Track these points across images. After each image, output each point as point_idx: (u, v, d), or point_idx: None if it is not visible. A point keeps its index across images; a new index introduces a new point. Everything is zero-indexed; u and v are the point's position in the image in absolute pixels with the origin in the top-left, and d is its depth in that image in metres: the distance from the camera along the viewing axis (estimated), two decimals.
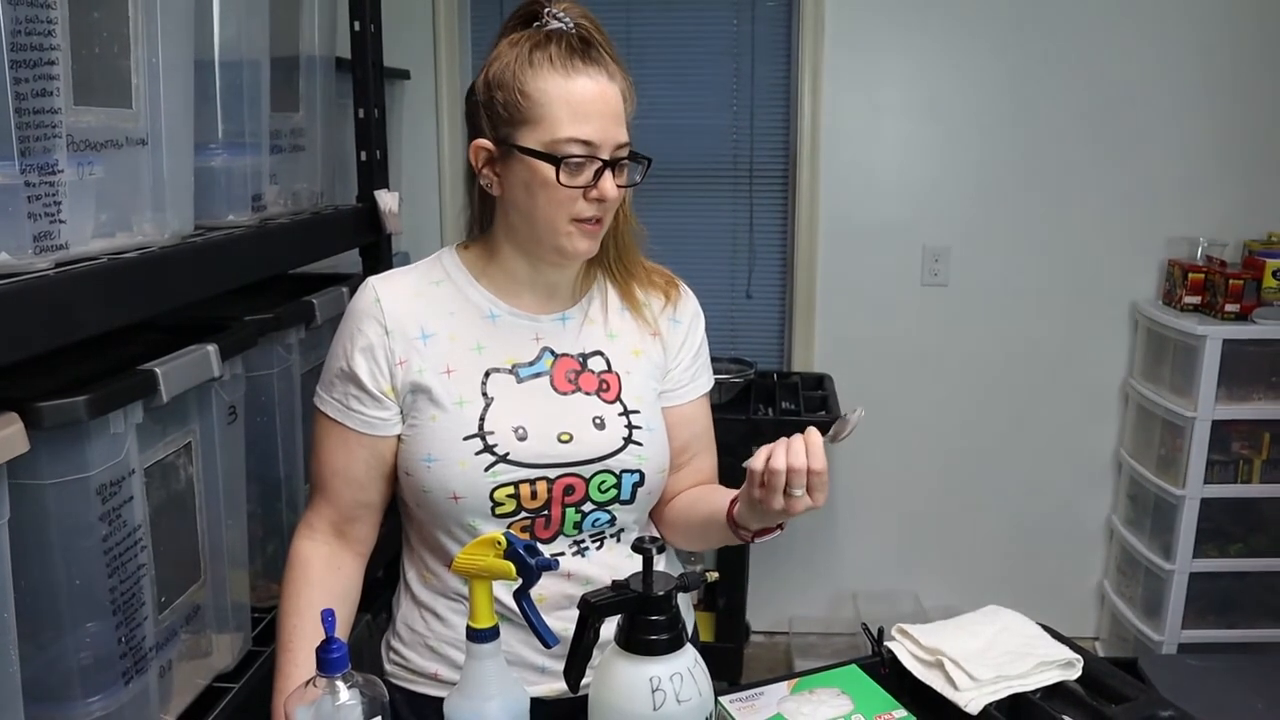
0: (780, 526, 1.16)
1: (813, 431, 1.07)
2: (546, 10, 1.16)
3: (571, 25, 1.15)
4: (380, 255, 2.09)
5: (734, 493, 1.19)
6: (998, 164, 3.09)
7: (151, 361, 1.24)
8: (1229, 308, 2.76)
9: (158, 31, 1.24)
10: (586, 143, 1.11)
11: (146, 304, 1.25)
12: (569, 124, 1.11)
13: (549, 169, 1.11)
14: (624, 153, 1.15)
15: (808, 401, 2.98)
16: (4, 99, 0.98)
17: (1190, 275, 2.87)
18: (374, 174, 2.06)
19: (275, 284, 1.86)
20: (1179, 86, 3.00)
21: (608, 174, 1.13)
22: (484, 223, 1.26)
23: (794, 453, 1.05)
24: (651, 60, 3.15)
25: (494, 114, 1.16)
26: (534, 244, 1.19)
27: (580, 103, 1.11)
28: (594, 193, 1.13)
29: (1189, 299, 2.89)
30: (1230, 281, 2.75)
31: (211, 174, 1.50)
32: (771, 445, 1.07)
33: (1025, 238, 3.13)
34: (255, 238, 1.57)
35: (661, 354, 1.30)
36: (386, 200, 2.02)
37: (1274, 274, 2.74)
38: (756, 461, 1.07)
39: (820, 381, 3.12)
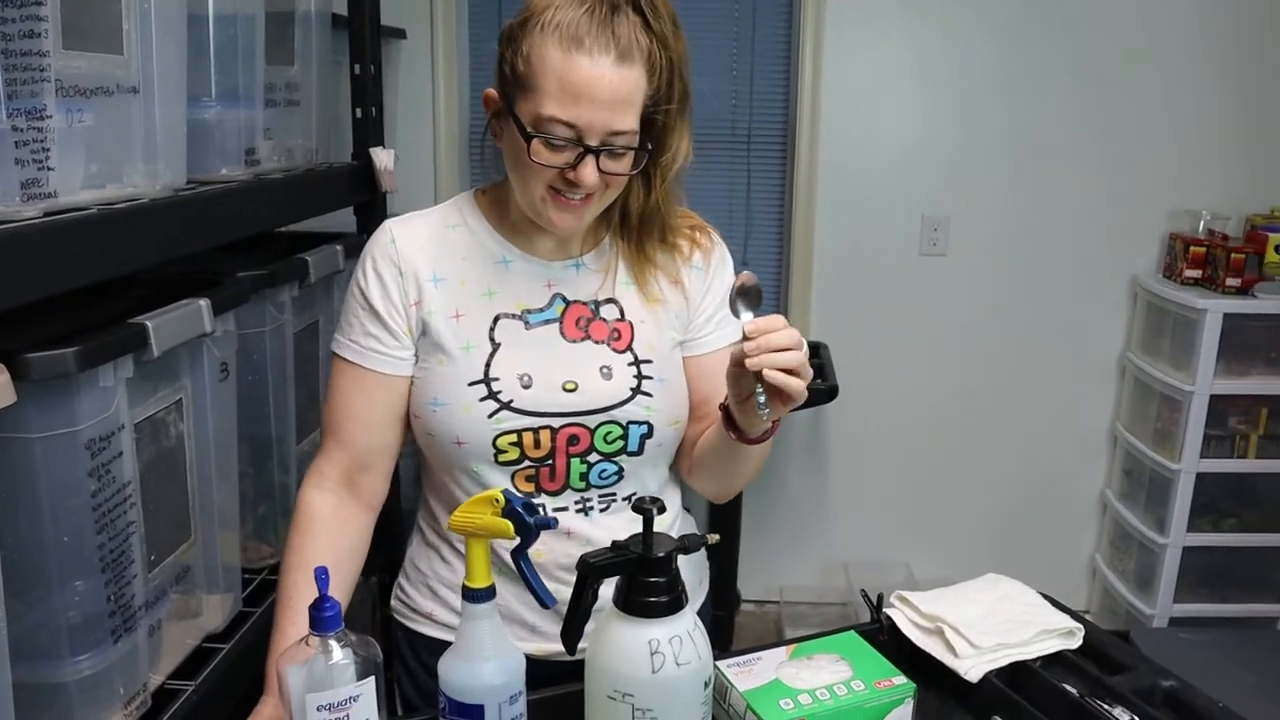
0: (775, 425, 1.15)
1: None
2: None
3: None
4: (374, 214, 2.07)
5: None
6: (999, 134, 3.06)
7: (142, 315, 1.22)
8: (1230, 282, 2.74)
9: None
10: (570, 125, 1.06)
11: (137, 256, 1.23)
12: (556, 103, 1.06)
13: (525, 143, 1.08)
14: (618, 140, 1.08)
15: None
16: None
17: (1192, 248, 2.85)
18: (369, 131, 2.03)
19: (266, 243, 1.83)
20: (1183, 56, 2.97)
21: (589, 160, 1.07)
22: (500, 167, 1.22)
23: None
24: None
25: (503, 68, 1.13)
26: (524, 205, 1.16)
27: (573, 84, 1.05)
28: (570, 174, 1.08)
29: (1189, 272, 2.87)
30: (1232, 255, 2.73)
31: (205, 126, 1.47)
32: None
33: (1025, 209, 3.10)
34: (249, 192, 1.55)
35: (683, 302, 1.26)
36: (382, 158, 2.00)
37: (1276, 248, 2.72)
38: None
39: (816, 350, 3.09)
